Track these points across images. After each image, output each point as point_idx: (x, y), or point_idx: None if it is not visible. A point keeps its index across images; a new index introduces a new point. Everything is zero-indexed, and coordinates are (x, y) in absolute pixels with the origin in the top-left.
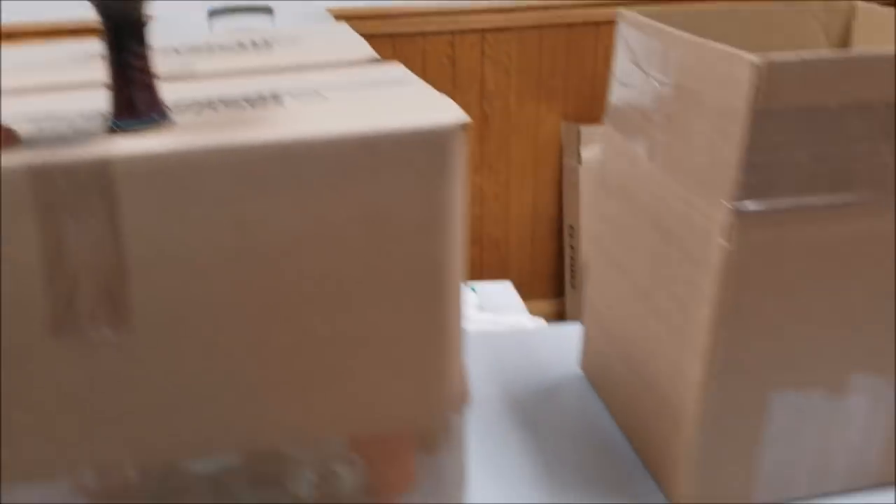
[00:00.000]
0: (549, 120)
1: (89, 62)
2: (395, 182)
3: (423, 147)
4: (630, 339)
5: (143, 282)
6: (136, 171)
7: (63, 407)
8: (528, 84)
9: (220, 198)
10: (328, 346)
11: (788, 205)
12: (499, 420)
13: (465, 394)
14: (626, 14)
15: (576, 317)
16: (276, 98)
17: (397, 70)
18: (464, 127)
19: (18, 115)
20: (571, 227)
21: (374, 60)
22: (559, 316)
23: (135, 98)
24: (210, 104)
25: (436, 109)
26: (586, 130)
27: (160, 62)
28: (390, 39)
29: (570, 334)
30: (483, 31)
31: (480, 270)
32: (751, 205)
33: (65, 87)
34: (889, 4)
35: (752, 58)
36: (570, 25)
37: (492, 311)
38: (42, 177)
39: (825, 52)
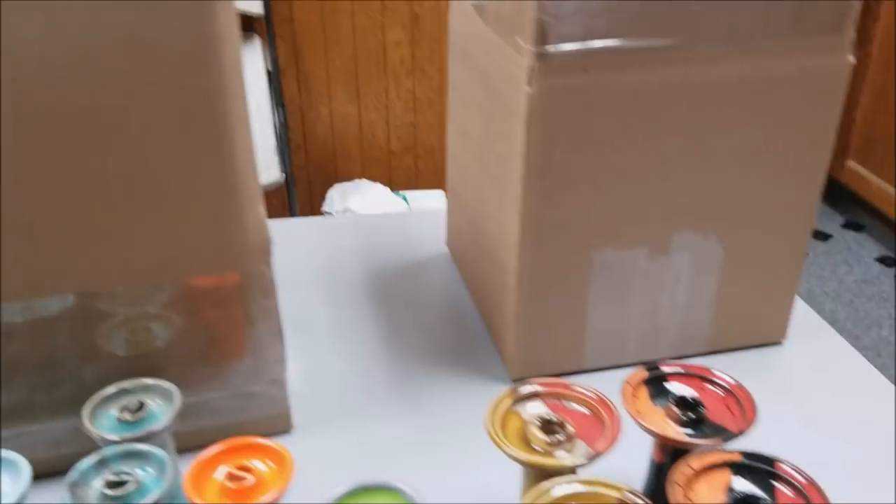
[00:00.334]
0: None
1: None
2: (156, 7)
3: None
4: (472, 205)
5: None
6: None
7: None
8: None
9: None
10: (111, 186)
11: (590, 48)
12: (360, 295)
13: (268, 245)
14: None
15: None
16: None
17: None
18: None
19: None
20: None
21: None
22: None
23: None
24: None
25: None
26: None
27: None
28: None
29: (443, 216)
30: None
31: (416, 180)
32: (551, 48)
33: None
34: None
35: None
36: None
37: None
38: None
39: None
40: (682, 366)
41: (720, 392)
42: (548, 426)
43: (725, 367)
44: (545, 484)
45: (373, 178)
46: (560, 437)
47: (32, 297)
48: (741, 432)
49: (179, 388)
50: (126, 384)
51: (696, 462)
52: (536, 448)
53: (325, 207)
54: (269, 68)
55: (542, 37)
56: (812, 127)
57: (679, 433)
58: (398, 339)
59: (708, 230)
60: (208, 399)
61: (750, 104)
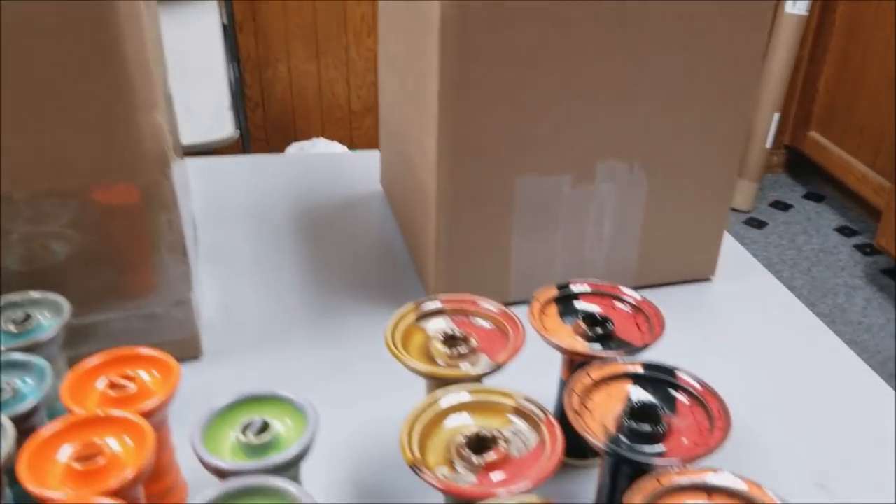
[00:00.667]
0: None
1: None
2: None
3: None
4: (398, 133)
5: None
6: None
7: None
8: None
9: None
10: None
11: None
12: (288, 231)
13: (166, 155)
14: None
15: None
16: None
17: None
18: None
19: None
20: None
21: None
22: None
23: None
24: None
25: None
26: None
27: None
28: None
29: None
30: None
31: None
32: None
33: None
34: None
35: None
36: None
37: None
38: None
39: None
40: (591, 284)
41: (629, 310)
42: (451, 340)
43: (658, 303)
44: (437, 393)
45: (332, 140)
46: (462, 350)
47: None
48: (645, 346)
49: (78, 308)
50: (14, 297)
51: (595, 372)
52: (439, 362)
53: None
54: (225, 22)
55: None
56: (738, 59)
57: (583, 346)
58: (322, 273)
59: (633, 159)
60: (109, 320)
61: (676, 29)
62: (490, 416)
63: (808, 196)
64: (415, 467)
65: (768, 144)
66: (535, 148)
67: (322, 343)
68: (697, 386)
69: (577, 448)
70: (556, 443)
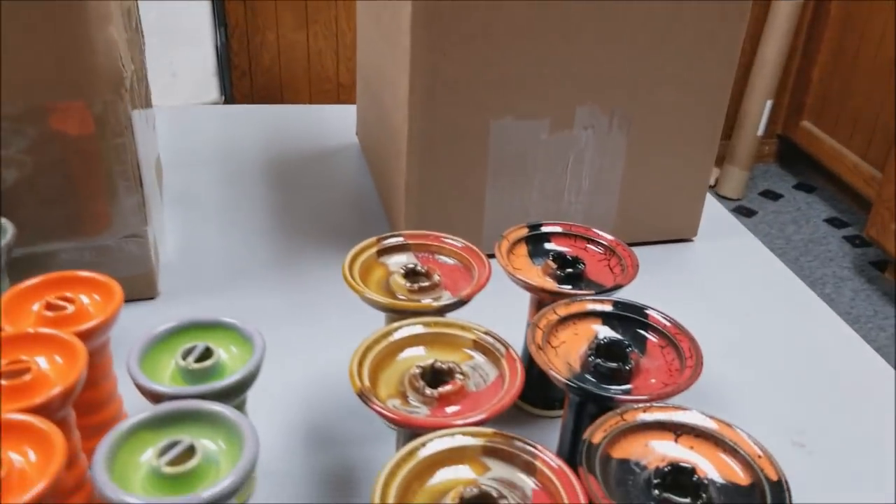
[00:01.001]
0: None
1: None
2: None
3: None
4: (373, 76)
5: None
6: None
7: None
8: None
9: None
10: None
11: None
12: (259, 179)
13: (120, 74)
14: None
15: None
16: None
17: None
18: None
19: None
20: None
21: None
22: None
23: None
24: None
25: None
26: None
27: None
28: None
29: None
30: None
31: None
32: None
33: None
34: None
35: None
36: None
37: None
38: None
39: None
40: (563, 225)
41: (601, 251)
42: (412, 275)
43: (640, 262)
44: (393, 325)
45: None
46: (424, 284)
47: None
48: (617, 286)
49: (27, 237)
50: None
51: (562, 309)
52: (399, 297)
53: None
54: None
55: None
56: (725, 5)
57: (551, 285)
58: (289, 220)
59: (613, 105)
60: (59, 250)
61: None
62: (448, 351)
63: (798, 187)
64: (362, 395)
65: (760, 132)
66: (511, 89)
67: (284, 286)
68: (668, 325)
69: (544, 398)
70: (515, 377)
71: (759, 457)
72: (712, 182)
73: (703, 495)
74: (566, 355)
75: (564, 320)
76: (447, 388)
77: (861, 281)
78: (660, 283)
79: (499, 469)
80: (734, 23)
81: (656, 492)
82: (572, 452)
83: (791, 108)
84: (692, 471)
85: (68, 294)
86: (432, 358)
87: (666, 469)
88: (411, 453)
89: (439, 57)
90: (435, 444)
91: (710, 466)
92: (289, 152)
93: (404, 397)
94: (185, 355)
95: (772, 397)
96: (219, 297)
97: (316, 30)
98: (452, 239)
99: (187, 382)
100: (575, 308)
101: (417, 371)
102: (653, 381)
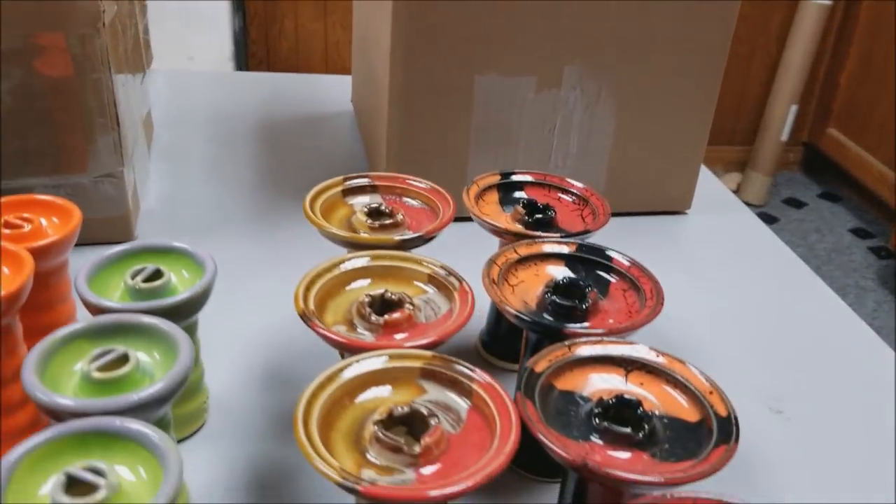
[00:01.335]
0: None
1: None
2: None
3: None
4: (364, 37)
5: None
6: None
7: None
8: None
9: None
10: None
11: None
12: (250, 139)
13: (97, 8)
14: None
15: None
16: None
17: None
18: None
19: None
20: None
21: None
22: None
23: None
24: None
25: None
26: None
27: None
28: None
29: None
30: None
31: None
32: None
33: None
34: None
35: None
36: None
37: None
38: None
39: None
40: (536, 174)
41: (574, 201)
42: (376, 213)
43: (624, 232)
44: (345, 255)
45: None
46: (387, 222)
47: None
48: (586, 231)
49: (3, 170)
50: None
51: (523, 249)
52: (361, 234)
53: None
54: None
55: None
56: None
57: (514, 226)
58: (275, 178)
59: (603, 65)
60: (35, 185)
61: None
62: (402, 285)
63: (823, 195)
64: (304, 316)
65: (784, 137)
66: (496, 43)
67: (262, 238)
68: (632, 268)
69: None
70: (465, 307)
71: (710, 392)
72: (734, 187)
73: (646, 426)
74: (523, 294)
75: (525, 260)
76: (395, 315)
77: (885, 292)
78: (649, 254)
79: (435, 392)
80: None
81: (596, 421)
82: None
83: (817, 115)
84: (637, 404)
85: (27, 215)
86: (384, 289)
87: (610, 401)
88: (342, 370)
89: (422, 6)
90: (370, 364)
91: (658, 402)
92: (283, 117)
93: (351, 325)
94: (135, 275)
95: (752, 364)
96: (195, 244)
97: (334, 20)
98: (418, 181)
99: (135, 301)
100: (536, 249)
101: (366, 299)
102: (611, 321)
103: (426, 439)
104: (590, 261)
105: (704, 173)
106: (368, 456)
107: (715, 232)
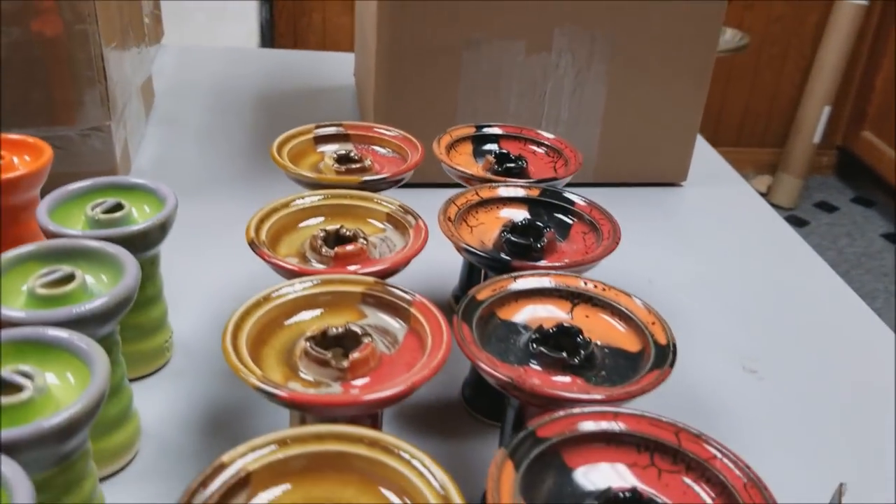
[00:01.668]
0: None
1: None
2: None
3: None
4: (362, 4)
5: None
6: None
7: None
8: None
9: None
10: None
11: None
12: (250, 109)
13: None
14: None
15: None
16: None
17: None
18: None
19: None
20: None
21: None
22: None
23: None
24: None
25: None
26: None
27: None
28: None
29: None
30: None
31: None
32: None
33: None
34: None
35: None
36: None
37: None
38: None
39: None
40: (512, 128)
41: (547, 152)
42: (344, 159)
43: (617, 202)
44: (305, 193)
45: None
46: (354, 166)
47: None
48: (553, 178)
49: None
50: None
51: (485, 191)
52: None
53: None
54: None
55: None
56: None
57: (482, 172)
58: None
59: (594, 29)
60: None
61: None
62: (358, 223)
63: (856, 200)
64: (253, 245)
65: (816, 139)
66: (484, 4)
67: (248, 199)
68: (593, 211)
69: None
70: (418, 241)
71: (653, 323)
72: (764, 189)
73: (582, 352)
74: (481, 235)
75: (486, 203)
76: (347, 248)
77: None
78: (641, 224)
79: (375, 317)
80: None
81: (533, 346)
82: None
83: (852, 118)
84: (577, 332)
85: None
86: (339, 225)
87: (550, 330)
88: (280, 289)
89: None
90: (309, 287)
91: (601, 333)
92: (284, 89)
93: (304, 258)
94: (95, 207)
95: (731, 327)
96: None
97: None
98: (389, 129)
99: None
100: (498, 192)
101: (321, 234)
102: (566, 261)
103: (355, 354)
104: (552, 205)
105: (701, 144)
106: (299, 372)
107: (710, 204)
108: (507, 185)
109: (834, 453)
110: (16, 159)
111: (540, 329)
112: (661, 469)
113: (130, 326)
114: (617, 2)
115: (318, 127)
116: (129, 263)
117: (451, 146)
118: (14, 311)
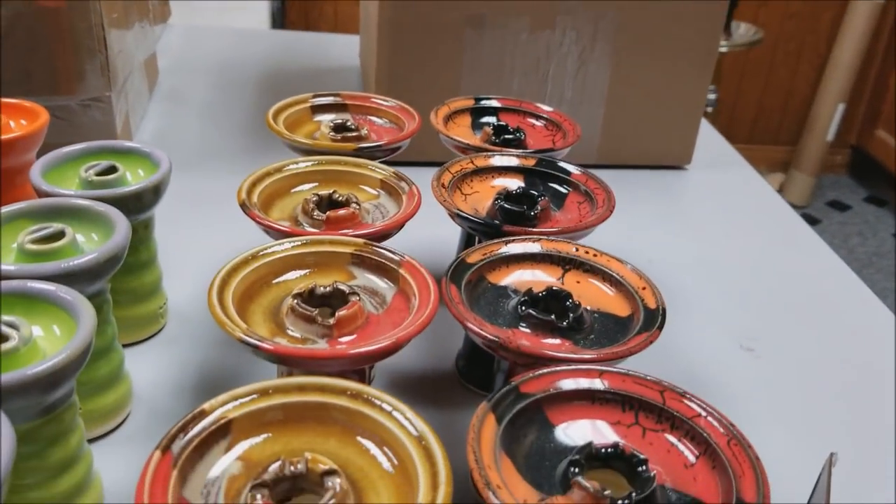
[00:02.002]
0: None
1: None
2: None
3: None
4: None
5: None
6: None
7: None
8: None
9: None
10: None
11: None
12: (254, 88)
13: None
14: None
15: None
16: None
17: None
18: None
19: None
20: None
21: None
22: None
23: None
24: None
25: None
26: None
27: None
28: None
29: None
30: None
31: None
32: None
33: None
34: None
35: None
36: None
37: None
38: None
39: None
40: (511, 101)
41: (546, 125)
42: (341, 128)
43: (620, 184)
44: (300, 158)
45: None
46: (350, 135)
47: None
48: (550, 149)
49: None
50: None
51: (481, 160)
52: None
53: None
54: None
55: None
56: None
57: (477, 141)
58: None
59: (599, 7)
60: None
61: None
62: (352, 189)
63: (869, 199)
64: (244, 206)
65: (829, 137)
66: None
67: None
68: (589, 181)
69: None
70: (411, 206)
71: (643, 288)
72: (777, 187)
73: (571, 315)
74: (475, 202)
75: (482, 172)
76: (339, 212)
77: None
78: (644, 206)
79: (363, 278)
80: None
81: (522, 308)
82: None
83: (866, 116)
84: (567, 296)
85: None
86: (332, 189)
87: (540, 293)
88: (269, 248)
89: None
90: (298, 246)
91: (592, 298)
92: (289, 69)
93: (296, 222)
94: (89, 169)
95: (730, 307)
96: (180, 172)
97: None
98: (386, 100)
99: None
100: (494, 161)
101: (313, 198)
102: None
103: (341, 311)
104: (548, 175)
105: (706, 128)
106: (287, 329)
107: (714, 187)
108: (502, 154)
109: (827, 428)
110: (12, 123)
111: (529, 292)
112: (645, 427)
113: (124, 291)
114: None
115: (314, 96)
116: (120, 222)
117: (449, 118)
118: (2, 265)
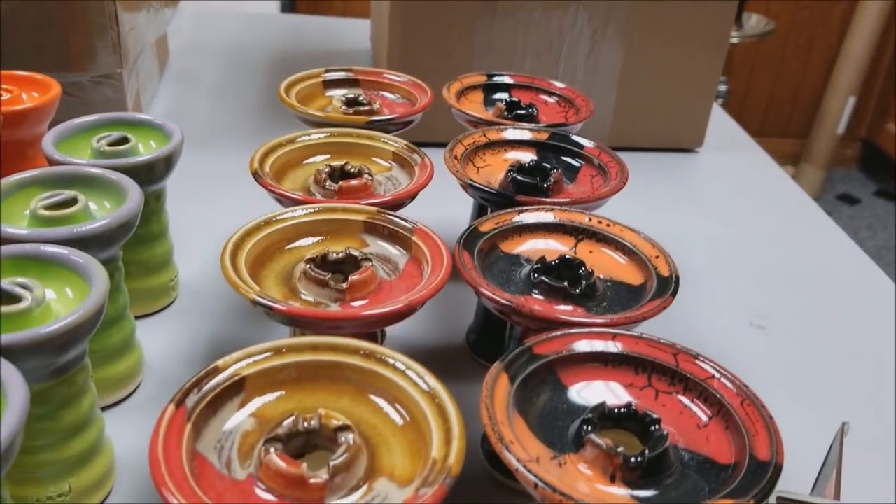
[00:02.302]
0: None
1: None
2: None
3: None
4: None
5: None
6: None
7: None
8: None
9: None
10: None
11: None
12: (266, 71)
13: None
14: None
15: None
16: None
17: None
18: None
19: None
20: None
21: None
22: None
23: None
24: None
25: None
26: None
27: None
28: None
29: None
30: None
31: None
32: None
33: None
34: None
35: None
36: None
37: None
38: None
39: None
40: (523, 77)
41: (558, 102)
42: (353, 102)
43: (632, 166)
44: (313, 130)
45: None
46: (363, 108)
47: None
48: (563, 124)
49: (5, 64)
50: None
51: (493, 133)
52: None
53: None
54: None
55: None
56: None
57: (490, 117)
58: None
59: None
60: None
61: None
62: (364, 161)
63: (879, 193)
64: (256, 175)
65: (840, 130)
66: None
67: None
68: (602, 154)
69: None
70: (423, 176)
71: (656, 257)
72: None
73: (584, 282)
74: (488, 175)
75: (494, 145)
76: (352, 182)
77: None
78: (656, 188)
79: (376, 245)
80: None
81: (534, 276)
82: None
83: (877, 110)
84: (580, 264)
85: (6, 86)
86: (344, 161)
87: (553, 262)
88: (282, 214)
89: None
90: (312, 214)
91: (605, 268)
92: (299, 53)
93: (308, 192)
94: (101, 140)
95: (741, 286)
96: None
97: None
98: (399, 75)
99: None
100: (507, 134)
101: (326, 169)
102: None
103: (354, 276)
104: (561, 149)
105: (717, 111)
106: (299, 294)
107: (725, 170)
108: (514, 128)
109: (836, 403)
110: (24, 95)
111: (542, 260)
112: (658, 389)
113: (135, 262)
114: None
115: (327, 71)
116: (133, 190)
117: (462, 94)
118: (15, 229)
